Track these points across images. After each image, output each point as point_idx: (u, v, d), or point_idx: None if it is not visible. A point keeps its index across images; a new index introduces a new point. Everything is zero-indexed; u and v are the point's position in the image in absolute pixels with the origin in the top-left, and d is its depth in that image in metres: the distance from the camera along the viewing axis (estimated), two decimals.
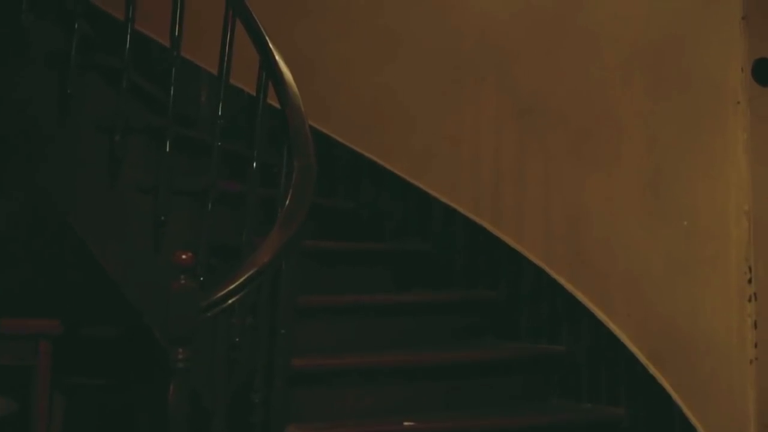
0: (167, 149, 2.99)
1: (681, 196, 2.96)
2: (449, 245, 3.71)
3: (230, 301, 2.41)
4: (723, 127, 2.80)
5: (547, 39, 3.43)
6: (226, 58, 2.99)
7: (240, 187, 2.98)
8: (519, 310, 3.48)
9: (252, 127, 2.94)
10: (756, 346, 2.72)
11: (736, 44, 2.73)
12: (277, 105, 2.89)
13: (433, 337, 3.40)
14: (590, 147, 3.27)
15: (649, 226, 3.05)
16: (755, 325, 2.73)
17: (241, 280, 2.42)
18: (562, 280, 3.32)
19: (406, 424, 2.81)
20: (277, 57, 2.89)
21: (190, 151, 3.34)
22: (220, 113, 2.99)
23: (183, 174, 3.21)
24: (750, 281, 2.75)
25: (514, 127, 3.53)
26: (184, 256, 2.30)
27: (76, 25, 3.08)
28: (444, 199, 3.73)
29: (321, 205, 3.62)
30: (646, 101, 3.08)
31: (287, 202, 2.56)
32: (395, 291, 3.59)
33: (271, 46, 2.89)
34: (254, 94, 2.96)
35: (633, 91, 3.13)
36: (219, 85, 3.02)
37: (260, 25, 2.91)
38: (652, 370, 2.98)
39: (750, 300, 2.74)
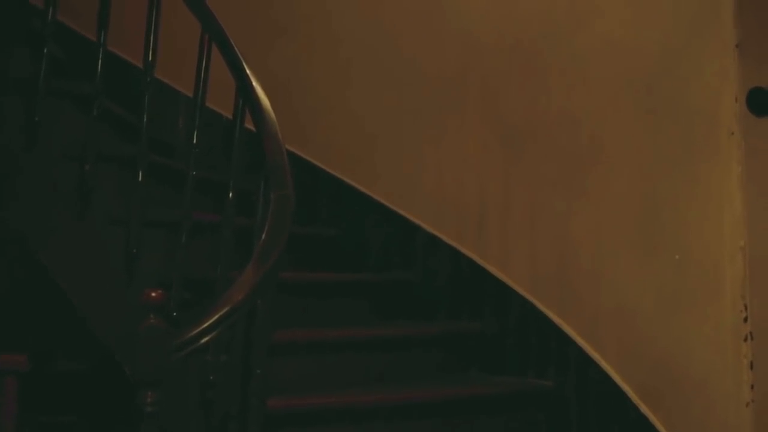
0: (140, 178, 2.87)
1: (673, 228, 2.85)
2: (433, 275, 3.61)
3: (202, 342, 2.29)
4: (716, 159, 2.70)
5: (533, 64, 3.34)
6: (201, 85, 2.88)
7: (217, 217, 2.87)
8: (505, 342, 3.37)
9: (228, 155, 2.83)
10: (752, 387, 2.61)
11: (730, 72, 2.62)
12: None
13: (417, 371, 3.28)
14: (578, 176, 3.17)
15: (639, 259, 2.95)
16: (751, 366, 2.62)
17: (214, 319, 2.29)
18: (549, 313, 3.22)
19: None
20: (255, 82, 2.77)
21: (165, 180, 3.24)
22: (194, 141, 2.88)
23: (158, 204, 3.12)
24: (746, 320, 2.64)
25: (500, 154, 3.44)
26: (153, 294, 2.17)
27: (46, 50, 2.96)
28: (427, 228, 3.64)
29: (300, 233, 3.53)
30: (636, 130, 2.98)
31: (263, 236, 2.44)
32: (377, 323, 3.49)
33: (248, 71, 2.78)
34: (232, 118, 2.85)
35: (622, 120, 3.03)
36: (195, 111, 2.91)
37: (237, 50, 2.80)
38: (644, 408, 2.87)
39: (746, 339, 2.63)
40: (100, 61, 2.96)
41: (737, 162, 2.61)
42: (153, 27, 2.95)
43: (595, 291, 3.08)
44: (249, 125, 2.77)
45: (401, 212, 3.71)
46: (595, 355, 3.03)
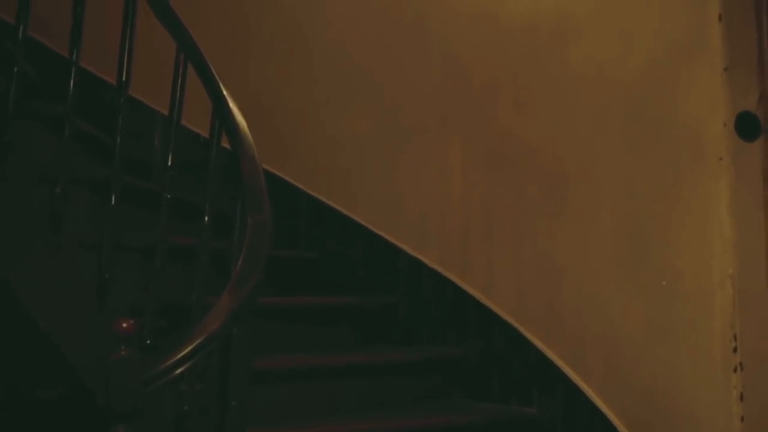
0: (113, 202, 2.78)
1: (660, 254, 2.78)
2: (416, 299, 3.54)
3: (176, 373, 2.21)
4: (705, 184, 2.63)
5: (516, 85, 3.28)
6: (177, 105, 2.80)
7: (193, 240, 2.79)
8: (489, 368, 3.30)
9: (204, 178, 2.75)
10: (743, 420, 2.53)
11: (718, 97, 2.55)
12: None
13: (400, 398, 3.20)
14: (564, 199, 3.11)
15: (626, 285, 2.88)
16: (741, 398, 2.54)
17: (188, 350, 2.21)
18: (533, 338, 3.16)
19: None
20: (232, 104, 2.70)
21: (140, 202, 3.15)
22: (169, 163, 2.80)
23: (134, 226, 3.03)
24: (735, 350, 2.57)
25: (483, 175, 3.38)
26: (125, 324, 2.09)
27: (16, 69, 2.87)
28: (410, 251, 3.57)
29: (280, 256, 3.45)
30: (624, 153, 2.92)
31: (239, 263, 2.36)
32: (359, 348, 3.41)
33: (225, 92, 2.70)
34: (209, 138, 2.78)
35: (609, 142, 2.97)
36: (170, 133, 2.83)
37: (213, 71, 2.72)
38: None
39: (735, 370, 2.56)
40: (72, 78, 2.86)
41: (726, 188, 2.54)
42: (127, 45, 2.86)
43: (580, 316, 3.01)
44: (226, 145, 2.70)
45: (383, 235, 3.64)
46: (581, 383, 2.96)
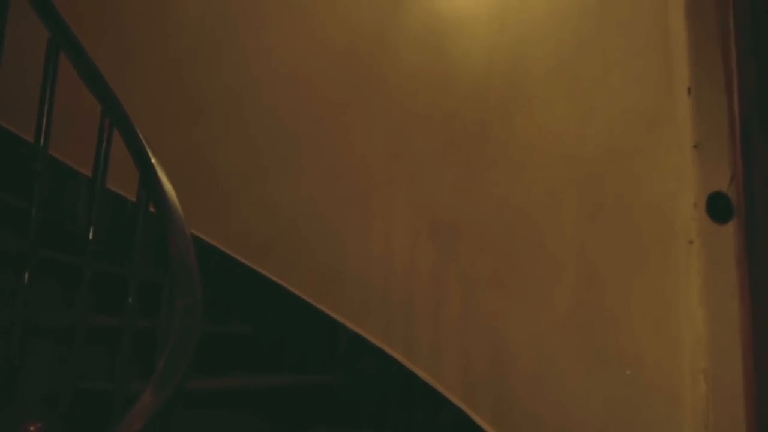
0: (25, 280, 2.52)
1: (624, 341, 2.57)
2: (357, 378, 3.30)
3: None
4: (674, 269, 2.42)
5: (466, 149, 3.11)
6: (100, 174, 2.55)
7: (116, 321, 2.54)
8: None
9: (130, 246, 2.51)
10: None
11: (687, 175, 2.37)
12: None
13: None
14: (516, 275, 2.92)
15: (586, 371, 2.67)
16: None
17: None
18: (483, 424, 2.94)
19: None
20: (161, 173, 2.47)
21: (59, 275, 2.89)
22: (90, 237, 2.55)
23: (50, 301, 2.78)
24: None
25: (431, 246, 3.18)
26: (32, 428, 1.86)
27: None
28: (351, 326, 3.35)
29: (212, 332, 3.21)
30: (581, 231, 2.73)
31: (165, 356, 2.12)
32: None
33: (153, 161, 2.47)
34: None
35: (564, 217, 2.79)
36: (93, 201, 2.59)
37: (142, 137, 2.49)
38: None
39: None
40: None
41: (697, 273, 2.33)
42: (47, 106, 2.61)
43: (535, 402, 2.81)
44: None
45: (322, 308, 3.42)
46: None
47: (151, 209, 2.48)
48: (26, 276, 2.51)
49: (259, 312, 3.56)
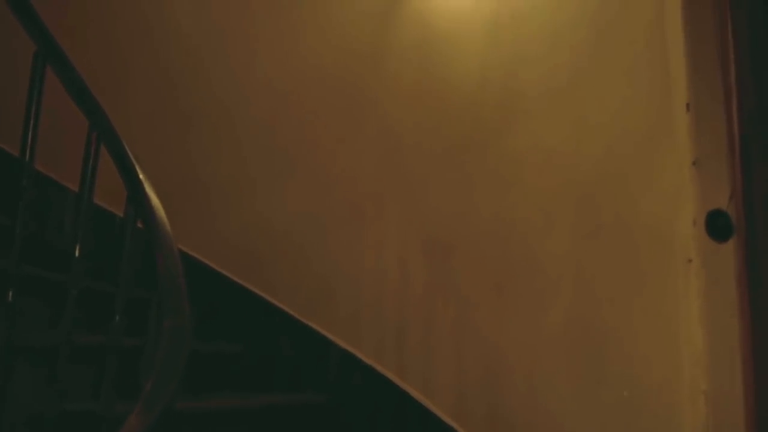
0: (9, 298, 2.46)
1: (621, 361, 2.51)
2: (349, 397, 3.25)
3: None
4: (672, 289, 2.37)
5: (460, 167, 3.07)
6: (87, 190, 2.50)
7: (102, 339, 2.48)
8: None
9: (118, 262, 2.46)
10: None
11: (686, 192, 2.31)
12: None
13: None
14: (510, 292, 2.87)
15: (582, 392, 2.62)
16: None
17: None
18: None
19: None
20: (149, 190, 2.41)
21: (44, 293, 2.83)
22: (77, 254, 2.49)
23: (35, 320, 2.72)
24: None
25: (423, 263, 3.13)
26: None
27: None
28: (342, 344, 3.29)
29: (201, 351, 3.16)
30: (577, 247, 2.68)
31: (152, 378, 2.06)
32: None
33: (141, 177, 2.42)
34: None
35: (560, 234, 2.74)
36: (79, 218, 2.53)
37: (130, 153, 2.44)
38: None
39: None
40: None
41: (697, 293, 2.28)
42: (33, 120, 2.56)
43: (529, 423, 2.75)
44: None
45: (313, 326, 3.36)
46: None
47: (140, 225, 2.43)
48: (10, 294, 2.45)
49: (249, 329, 3.50)
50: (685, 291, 2.31)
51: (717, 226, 2.24)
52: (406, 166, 3.24)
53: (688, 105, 2.30)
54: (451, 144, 3.12)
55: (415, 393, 3.07)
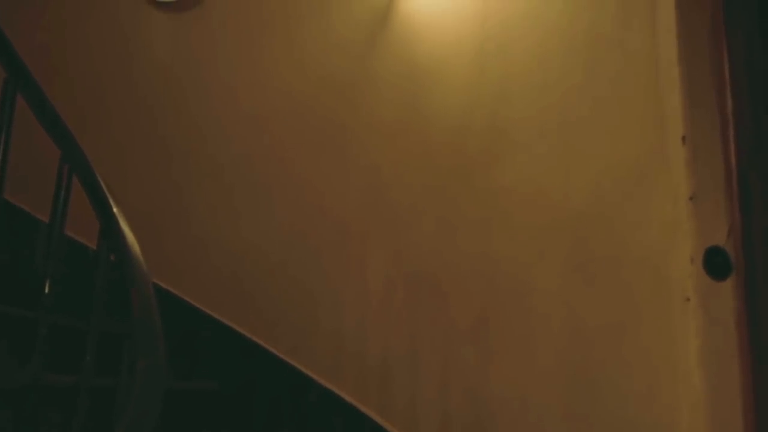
0: None
1: (614, 403, 2.39)
2: None
3: None
4: (669, 329, 2.26)
5: (443, 197, 2.99)
6: (58, 223, 2.40)
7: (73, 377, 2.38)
8: None
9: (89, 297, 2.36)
10: None
11: (683, 229, 2.22)
12: None
13: None
14: (497, 331, 2.77)
15: (572, 431, 2.52)
16: None
17: None
18: None
19: None
20: (123, 224, 2.31)
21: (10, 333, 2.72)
22: (47, 290, 2.38)
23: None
24: None
25: (407, 298, 3.04)
26: None
27: None
28: (323, 382, 3.18)
29: (177, 389, 3.05)
30: (570, 283, 2.58)
31: (123, 427, 1.95)
32: None
33: (115, 210, 2.32)
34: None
35: (549, 270, 2.65)
36: (49, 256, 2.43)
37: (103, 185, 2.34)
38: None
39: None
40: None
41: (695, 334, 2.18)
42: (2, 147, 2.46)
43: None
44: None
45: (293, 363, 3.25)
46: None
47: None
48: None
49: (226, 366, 3.39)
50: (682, 330, 2.21)
51: (715, 263, 2.16)
52: (390, 198, 3.16)
53: (683, 138, 2.22)
54: (436, 175, 3.04)
55: None
